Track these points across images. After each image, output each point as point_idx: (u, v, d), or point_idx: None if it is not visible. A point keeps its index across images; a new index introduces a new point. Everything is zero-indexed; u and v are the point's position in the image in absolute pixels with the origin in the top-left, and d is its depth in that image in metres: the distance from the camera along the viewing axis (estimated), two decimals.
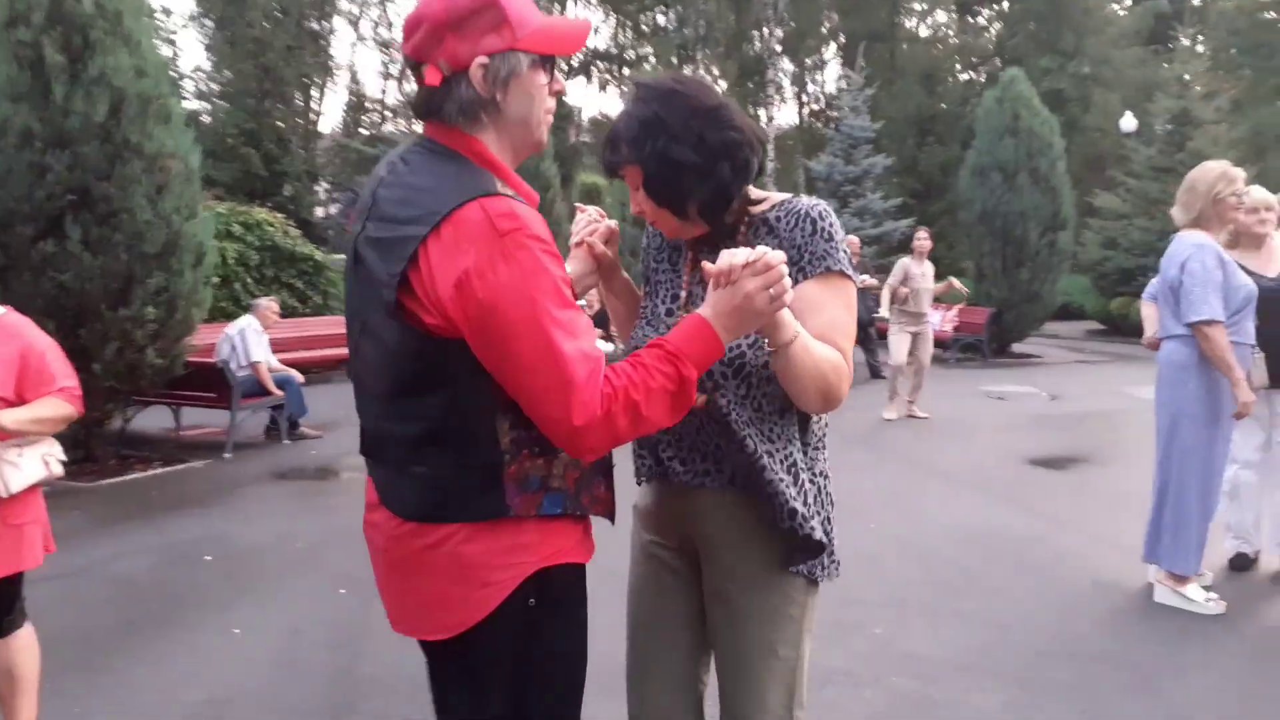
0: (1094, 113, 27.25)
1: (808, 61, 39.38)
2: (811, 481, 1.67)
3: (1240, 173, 3.89)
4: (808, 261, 1.60)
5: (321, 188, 26.57)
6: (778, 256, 1.38)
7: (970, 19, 36.12)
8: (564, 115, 28.03)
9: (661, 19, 37.84)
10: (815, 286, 1.59)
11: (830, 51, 39.15)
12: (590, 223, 1.82)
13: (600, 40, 37.80)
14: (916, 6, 37.31)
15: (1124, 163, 20.60)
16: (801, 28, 36.96)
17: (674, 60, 33.91)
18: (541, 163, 13.42)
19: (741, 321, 1.40)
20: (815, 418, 1.71)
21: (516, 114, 1.45)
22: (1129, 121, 20.96)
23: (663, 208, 1.62)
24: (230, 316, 10.71)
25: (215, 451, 7.44)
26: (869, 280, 10.01)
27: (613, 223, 1.84)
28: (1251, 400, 3.75)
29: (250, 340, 7.75)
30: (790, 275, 1.46)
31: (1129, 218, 18.93)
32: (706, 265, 1.42)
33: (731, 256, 1.38)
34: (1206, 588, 3.95)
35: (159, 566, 4.62)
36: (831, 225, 1.61)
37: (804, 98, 39.35)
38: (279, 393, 7.80)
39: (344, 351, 11.48)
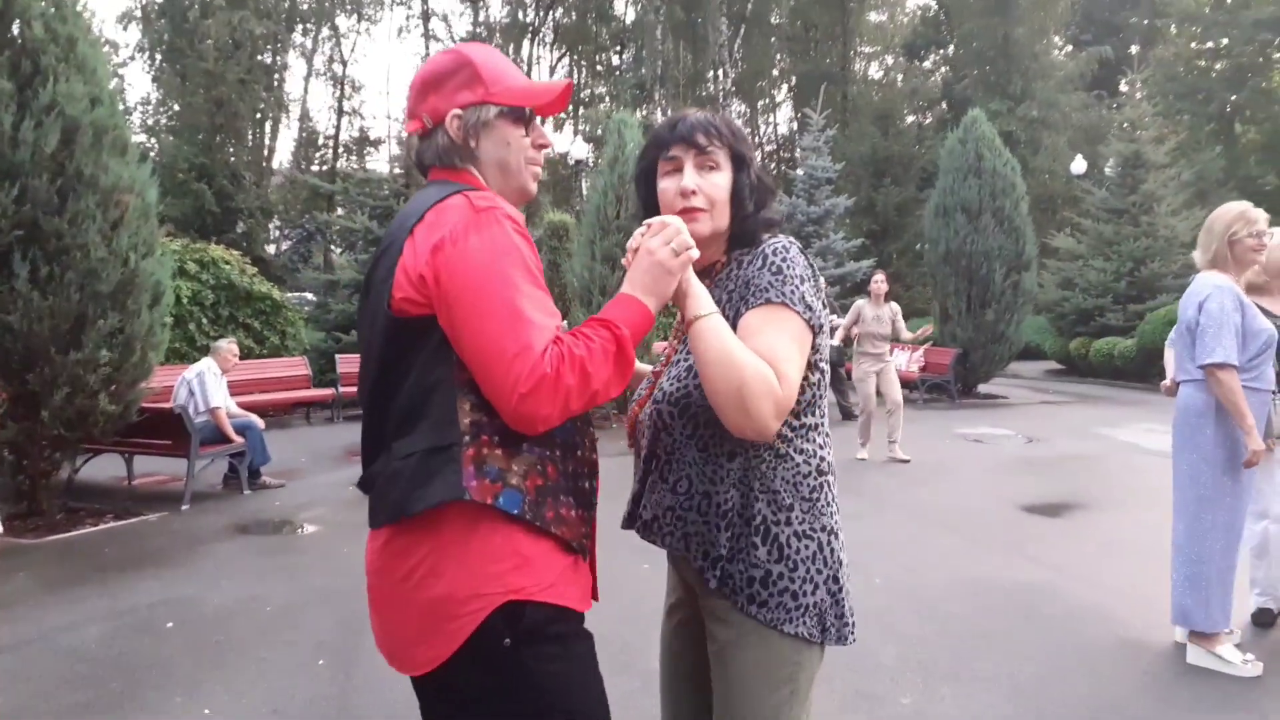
0: (1043, 155, 27.90)
1: (760, 103, 39.97)
2: (794, 539, 1.57)
3: (1262, 214, 3.79)
4: (751, 294, 1.59)
5: (274, 225, 25.99)
6: (671, 218, 1.54)
7: (918, 63, 36.93)
8: None
9: (617, 59, 38.16)
10: (754, 315, 1.57)
11: (782, 93, 39.77)
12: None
13: (556, 79, 37.94)
14: (866, 50, 38.11)
15: (1077, 204, 21.04)
16: (754, 69, 37.52)
17: (629, 100, 34.07)
18: None
19: (654, 279, 1.49)
20: (803, 466, 1.59)
21: (490, 158, 1.59)
22: (1079, 164, 21.44)
23: (730, 202, 1.67)
24: (184, 358, 10.28)
25: (171, 503, 6.97)
26: (837, 320, 9.96)
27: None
28: (1262, 449, 3.62)
29: (209, 384, 7.36)
30: (735, 308, 1.58)
31: (1085, 259, 19.27)
32: (626, 260, 1.54)
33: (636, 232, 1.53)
34: (1238, 646, 3.78)
35: (116, 636, 4.19)
36: (783, 260, 1.59)
37: (758, 139, 39.85)
38: (239, 440, 7.39)
39: (302, 394, 11.27)
